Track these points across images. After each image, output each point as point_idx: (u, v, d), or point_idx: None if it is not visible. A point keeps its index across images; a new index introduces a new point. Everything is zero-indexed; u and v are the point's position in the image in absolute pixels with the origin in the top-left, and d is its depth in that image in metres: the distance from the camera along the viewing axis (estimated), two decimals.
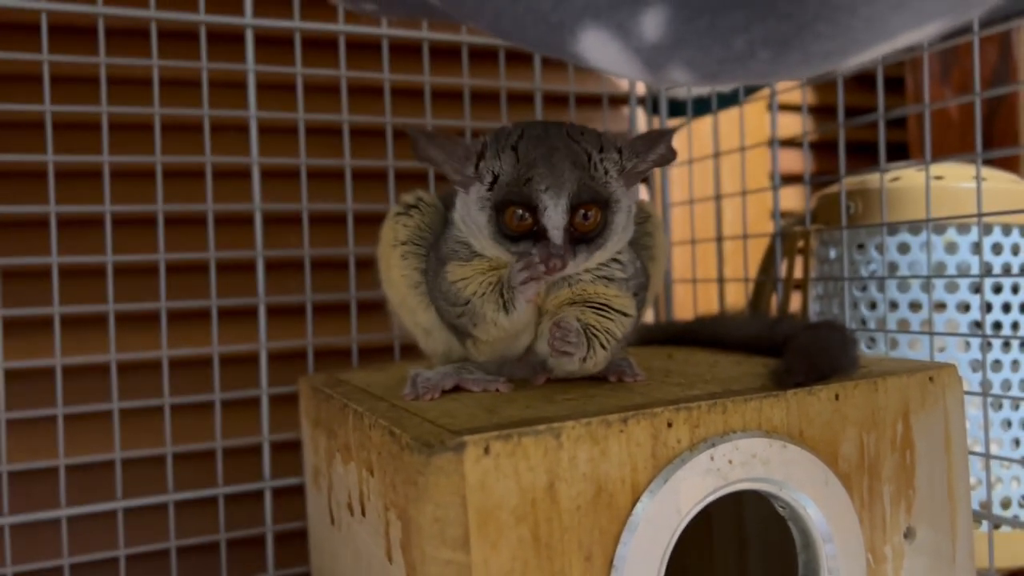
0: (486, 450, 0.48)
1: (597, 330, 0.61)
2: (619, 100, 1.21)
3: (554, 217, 0.57)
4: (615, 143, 0.61)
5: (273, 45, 0.98)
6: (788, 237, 0.96)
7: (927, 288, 0.82)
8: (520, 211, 0.58)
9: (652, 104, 1.19)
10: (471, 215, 0.61)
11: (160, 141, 0.90)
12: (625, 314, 0.63)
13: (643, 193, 1.21)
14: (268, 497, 0.94)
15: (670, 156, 0.63)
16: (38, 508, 0.86)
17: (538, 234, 0.58)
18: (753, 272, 1.04)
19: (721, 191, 1.10)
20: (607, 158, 0.60)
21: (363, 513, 0.60)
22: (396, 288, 0.68)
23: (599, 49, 0.40)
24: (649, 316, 1.18)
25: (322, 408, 0.71)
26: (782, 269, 0.98)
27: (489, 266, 0.62)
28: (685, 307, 1.22)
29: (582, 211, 0.58)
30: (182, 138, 0.94)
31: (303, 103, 0.97)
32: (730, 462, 0.55)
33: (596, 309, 0.62)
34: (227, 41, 0.95)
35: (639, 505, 0.52)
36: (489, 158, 0.60)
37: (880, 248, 0.86)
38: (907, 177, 0.88)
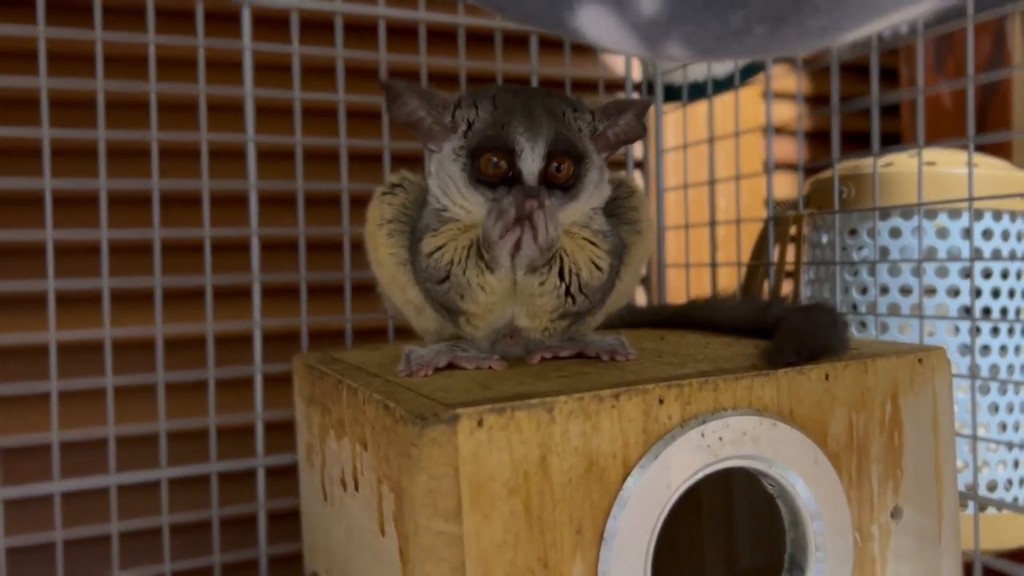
0: (479, 423, 0.49)
1: (565, 253, 0.61)
2: (615, 85, 1.22)
3: (530, 161, 0.58)
4: (587, 107, 0.63)
5: (270, 25, 0.98)
6: (781, 222, 0.97)
7: (918, 273, 0.83)
8: (495, 158, 0.59)
9: (648, 89, 1.19)
10: (445, 169, 0.62)
11: (156, 119, 0.90)
12: (597, 266, 0.63)
13: (637, 178, 1.22)
14: (261, 475, 0.94)
15: (638, 130, 0.65)
16: (31, 484, 0.86)
17: (513, 179, 0.59)
18: (746, 257, 1.04)
19: (715, 176, 1.11)
20: (580, 117, 0.62)
21: (356, 488, 0.60)
22: (384, 267, 0.68)
23: (596, 23, 0.41)
24: (641, 299, 1.18)
25: (316, 385, 0.71)
26: (775, 254, 0.98)
27: (459, 229, 0.62)
28: (678, 292, 1.22)
29: (555, 163, 0.59)
30: (178, 117, 0.94)
31: (299, 83, 0.97)
32: (720, 439, 0.55)
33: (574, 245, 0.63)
34: (224, 20, 0.95)
35: (630, 480, 0.52)
36: (465, 107, 0.61)
37: (872, 233, 0.86)
38: (900, 162, 0.88)
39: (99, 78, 0.87)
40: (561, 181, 0.60)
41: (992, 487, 0.85)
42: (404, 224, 0.67)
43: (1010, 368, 0.86)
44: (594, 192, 0.63)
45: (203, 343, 0.94)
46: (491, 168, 0.59)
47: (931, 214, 0.85)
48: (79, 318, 0.91)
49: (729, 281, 1.16)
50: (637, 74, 1.20)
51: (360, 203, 1.00)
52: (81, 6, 0.90)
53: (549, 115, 0.60)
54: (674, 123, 1.23)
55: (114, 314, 0.89)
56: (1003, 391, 0.85)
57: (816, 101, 1.44)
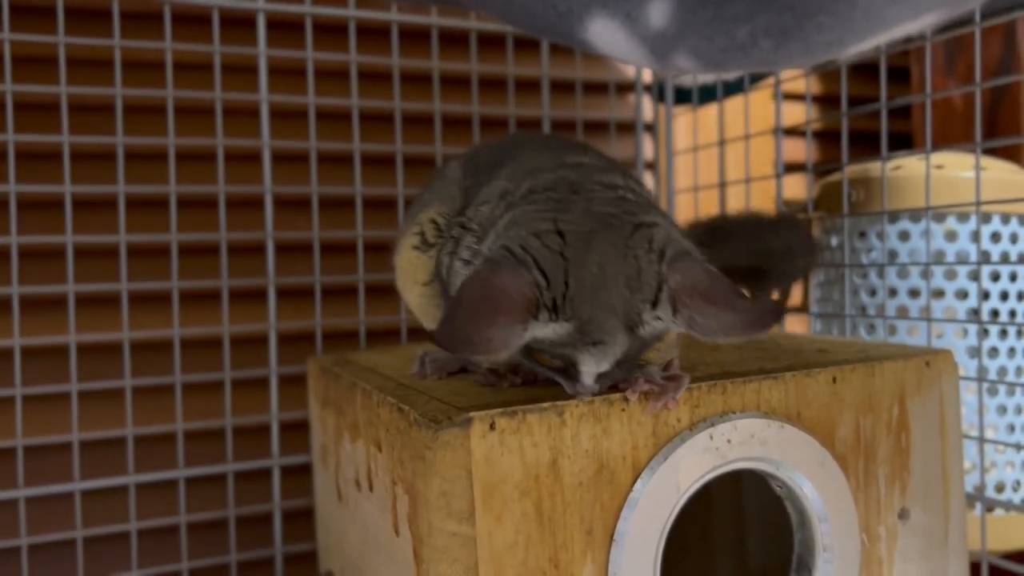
0: (492, 426, 0.50)
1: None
2: (625, 87, 1.22)
3: (592, 367, 0.49)
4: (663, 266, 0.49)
5: (284, 30, 0.99)
6: None
7: (926, 275, 0.84)
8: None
9: (658, 91, 1.20)
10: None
11: (173, 123, 0.92)
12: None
13: (649, 180, 1.22)
14: (276, 474, 0.96)
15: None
16: (52, 483, 0.88)
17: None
18: None
19: (725, 179, 1.11)
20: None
21: (371, 488, 0.61)
22: (410, 292, 0.68)
23: (607, 37, 0.42)
24: None
25: (331, 387, 0.72)
26: None
27: None
28: None
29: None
30: (194, 121, 0.96)
31: (313, 87, 0.98)
32: (729, 441, 0.56)
33: None
34: (239, 25, 0.96)
35: (639, 482, 0.53)
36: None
37: (881, 236, 0.87)
38: (908, 166, 0.89)
39: (117, 83, 0.89)
40: None
41: (1000, 488, 0.85)
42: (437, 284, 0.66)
43: (1018, 370, 0.86)
44: None
45: (219, 344, 0.95)
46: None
47: (939, 217, 0.86)
48: (98, 320, 0.93)
49: None
50: (647, 76, 1.21)
51: (373, 206, 1.02)
52: (100, 13, 0.91)
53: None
54: (684, 125, 1.24)
55: (132, 316, 0.91)
56: (1011, 393, 0.86)
57: (826, 101, 1.44)
